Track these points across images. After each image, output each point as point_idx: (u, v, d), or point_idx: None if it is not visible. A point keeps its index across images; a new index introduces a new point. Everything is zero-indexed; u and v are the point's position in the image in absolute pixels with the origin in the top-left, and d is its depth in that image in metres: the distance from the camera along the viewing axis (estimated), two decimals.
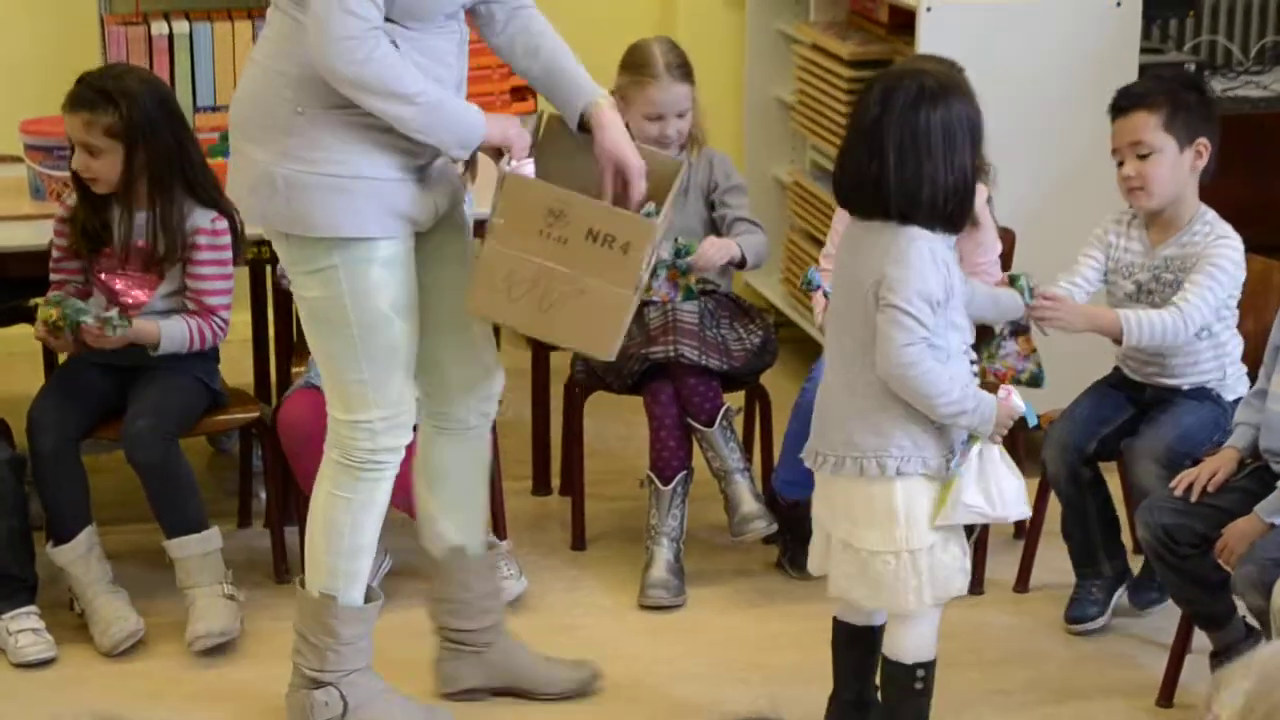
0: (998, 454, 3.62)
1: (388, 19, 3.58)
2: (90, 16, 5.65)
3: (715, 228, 4.77)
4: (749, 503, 4.61)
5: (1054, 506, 4.51)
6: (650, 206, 3.82)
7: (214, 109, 5.18)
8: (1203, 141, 4.29)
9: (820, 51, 5.67)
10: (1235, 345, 4.37)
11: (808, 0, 5.94)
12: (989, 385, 3.90)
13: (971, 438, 3.60)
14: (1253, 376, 4.20)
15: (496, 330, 4.23)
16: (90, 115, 4.34)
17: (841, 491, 3.66)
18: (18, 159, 4.95)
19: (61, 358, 4.66)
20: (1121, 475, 4.46)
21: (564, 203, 3.68)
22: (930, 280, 3.53)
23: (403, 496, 4.02)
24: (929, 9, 5.06)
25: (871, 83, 3.64)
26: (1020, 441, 4.58)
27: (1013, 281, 4.13)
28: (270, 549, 4.68)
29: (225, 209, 4.43)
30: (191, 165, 4.42)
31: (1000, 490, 3.61)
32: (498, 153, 3.75)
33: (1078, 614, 4.46)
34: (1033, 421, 3.71)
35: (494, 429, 4.14)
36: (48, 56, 5.78)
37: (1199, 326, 4.25)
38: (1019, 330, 4.26)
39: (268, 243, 4.37)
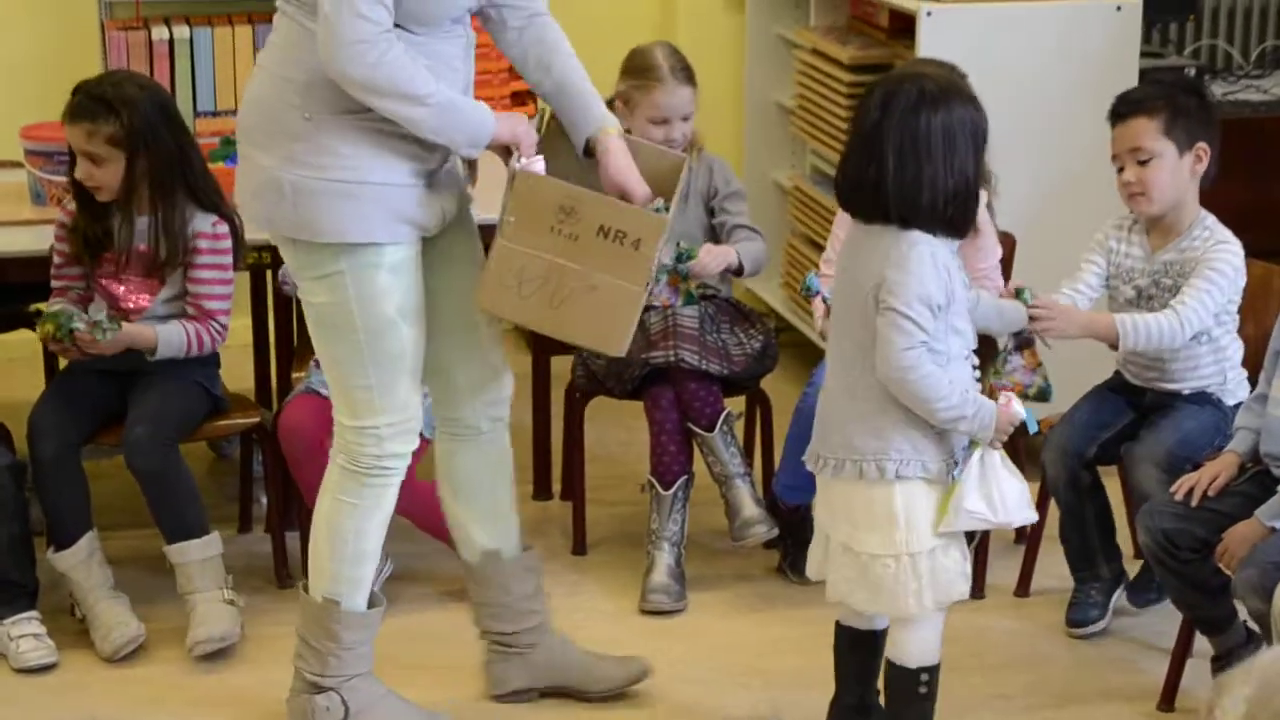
0: (999, 459, 3.62)
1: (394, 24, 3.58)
2: (91, 21, 5.65)
3: (715, 234, 4.77)
4: (750, 508, 4.61)
5: (1054, 510, 4.51)
6: (659, 203, 3.82)
7: (214, 114, 5.19)
8: (1202, 146, 4.29)
9: (820, 56, 5.67)
10: (1235, 350, 4.37)
11: (808, 4, 5.94)
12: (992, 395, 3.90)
13: (972, 443, 3.60)
14: (1253, 381, 4.20)
15: None
16: (92, 125, 4.33)
17: (841, 495, 3.66)
18: (18, 164, 4.94)
19: (62, 363, 4.66)
20: (1121, 480, 4.47)
21: (575, 199, 3.68)
22: (930, 284, 3.53)
23: (405, 502, 4.02)
24: (929, 13, 5.06)
25: (872, 87, 3.63)
26: (1020, 446, 4.58)
27: (1018, 294, 4.12)
28: (271, 554, 4.68)
29: (226, 213, 4.43)
30: (192, 170, 4.42)
31: (1002, 495, 3.60)
32: (506, 151, 3.75)
33: (1079, 617, 4.46)
34: (1033, 428, 3.70)
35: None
36: (48, 62, 5.78)
37: (1195, 330, 4.24)
38: (1024, 344, 4.23)
39: (269, 247, 4.38)
